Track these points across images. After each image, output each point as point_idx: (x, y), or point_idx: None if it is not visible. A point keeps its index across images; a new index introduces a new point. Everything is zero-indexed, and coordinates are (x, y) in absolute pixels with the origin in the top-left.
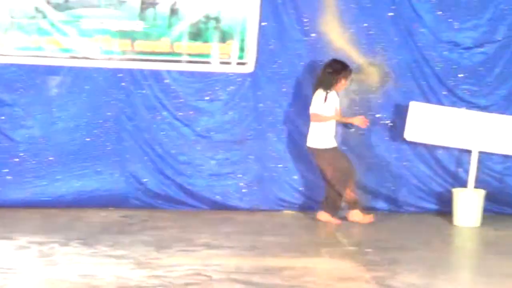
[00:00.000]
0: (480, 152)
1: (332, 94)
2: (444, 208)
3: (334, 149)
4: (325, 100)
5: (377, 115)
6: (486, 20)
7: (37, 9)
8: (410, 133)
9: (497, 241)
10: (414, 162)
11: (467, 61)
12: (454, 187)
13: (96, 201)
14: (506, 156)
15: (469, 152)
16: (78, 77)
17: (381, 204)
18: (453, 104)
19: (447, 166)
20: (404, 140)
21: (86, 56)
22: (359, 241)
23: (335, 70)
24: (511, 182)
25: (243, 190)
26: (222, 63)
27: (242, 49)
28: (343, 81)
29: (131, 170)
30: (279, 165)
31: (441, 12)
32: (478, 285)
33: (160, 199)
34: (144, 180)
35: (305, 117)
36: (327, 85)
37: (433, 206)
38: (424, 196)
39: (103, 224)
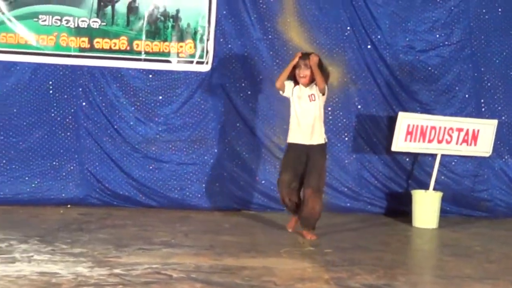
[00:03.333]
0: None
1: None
2: (403, 209)
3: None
4: None
5: (337, 115)
6: (442, 23)
7: None
8: (397, 144)
9: (454, 242)
10: (374, 162)
11: (423, 64)
12: (413, 188)
13: (54, 198)
14: (465, 158)
15: (428, 154)
16: (36, 73)
17: (341, 204)
18: (411, 106)
19: (406, 168)
20: (363, 141)
21: (44, 52)
22: (318, 242)
23: None
24: (469, 183)
25: (202, 189)
26: (181, 61)
27: (201, 48)
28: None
29: (89, 168)
30: (238, 165)
31: (397, 15)
32: (437, 286)
33: (118, 198)
34: (102, 178)
35: (263, 116)
36: None
37: (393, 207)
38: (384, 197)
39: (61, 221)
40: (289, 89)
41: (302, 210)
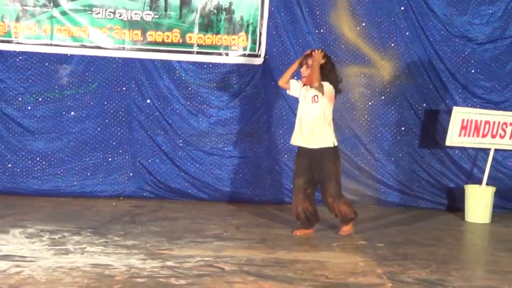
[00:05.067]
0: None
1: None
2: (455, 204)
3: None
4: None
5: (389, 109)
6: (498, 16)
7: None
8: (451, 139)
9: (508, 238)
10: (426, 157)
11: (479, 56)
12: (466, 183)
13: (106, 190)
14: None
15: (480, 148)
16: (89, 66)
17: (393, 199)
18: (465, 100)
19: (459, 162)
20: (415, 135)
21: (98, 45)
22: (370, 236)
23: None
24: None
25: (253, 183)
26: (233, 54)
27: (253, 41)
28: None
29: (141, 160)
30: (289, 158)
31: (453, 8)
32: (490, 281)
33: (170, 190)
34: (154, 171)
35: None
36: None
37: (445, 202)
38: (436, 192)
39: (113, 213)
40: (297, 89)
41: (332, 214)
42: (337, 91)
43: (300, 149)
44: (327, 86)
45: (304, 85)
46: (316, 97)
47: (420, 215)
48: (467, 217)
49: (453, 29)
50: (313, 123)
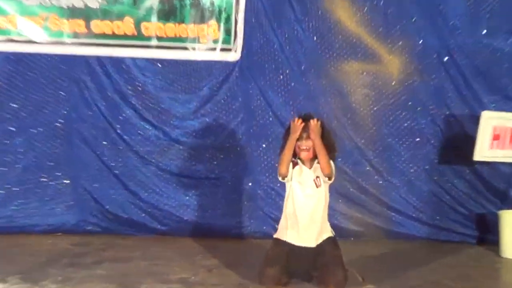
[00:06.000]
0: None
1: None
2: (487, 236)
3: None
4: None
5: (400, 115)
6: None
7: None
8: (480, 152)
9: None
10: (448, 176)
11: (510, 51)
12: (500, 209)
13: (39, 224)
14: None
15: None
16: (19, 65)
17: (408, 230)
18: (496, 103)
19: (491, 182)
20: (434, 148)
21: (29, 39)
22: (380, 278)
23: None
24: None
25: (229, 211)
26: (202, 49)
27: (227, 32)
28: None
29: (85, 185)
30: (275, 180)
31: None
32: None
33: (122, 223)
34: (101, 197)
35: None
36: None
37: (474, 233)
38: (462, 220)
39: (50, 254)
40: (289, 174)
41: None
42: (334, 158)
43: (286, 244)
44: (332, 164)
45: (295, 164)
46: (318, 179)
47: (443, 250)
48: (502, 251)
49: (478, 19)
50: (317, 213)
